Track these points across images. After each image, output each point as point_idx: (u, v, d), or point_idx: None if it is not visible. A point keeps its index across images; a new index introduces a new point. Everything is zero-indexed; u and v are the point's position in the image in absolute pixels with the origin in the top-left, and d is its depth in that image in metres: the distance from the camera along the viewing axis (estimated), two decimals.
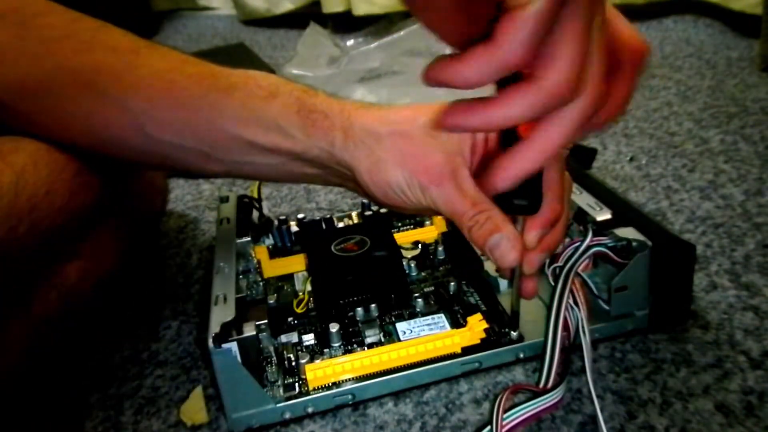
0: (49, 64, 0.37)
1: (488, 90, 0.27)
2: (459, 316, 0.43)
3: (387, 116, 0.36)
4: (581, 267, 0.40)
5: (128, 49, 0.38)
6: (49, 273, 0.39)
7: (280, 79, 0.38)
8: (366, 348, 0.41)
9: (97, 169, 0.41)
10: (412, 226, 0.55)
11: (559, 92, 0.25)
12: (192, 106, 0.37)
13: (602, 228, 0.41)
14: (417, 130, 0.36)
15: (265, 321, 0.40)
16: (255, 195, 0.54)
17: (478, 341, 0.40)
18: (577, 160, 0.55)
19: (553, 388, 0.36)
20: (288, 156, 0.37)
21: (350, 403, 0.39)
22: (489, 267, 0.46)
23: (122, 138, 0.38)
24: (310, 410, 0.38)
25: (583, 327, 0.37)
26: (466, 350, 0.40)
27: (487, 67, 0.24)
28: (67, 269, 0.40)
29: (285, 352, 0.41)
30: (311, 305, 0.45)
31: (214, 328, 0.35)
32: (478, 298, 0.45)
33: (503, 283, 0.45)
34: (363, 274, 0.44)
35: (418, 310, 0.44)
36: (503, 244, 0.33)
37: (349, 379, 0.39)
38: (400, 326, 0.42)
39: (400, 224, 0.55)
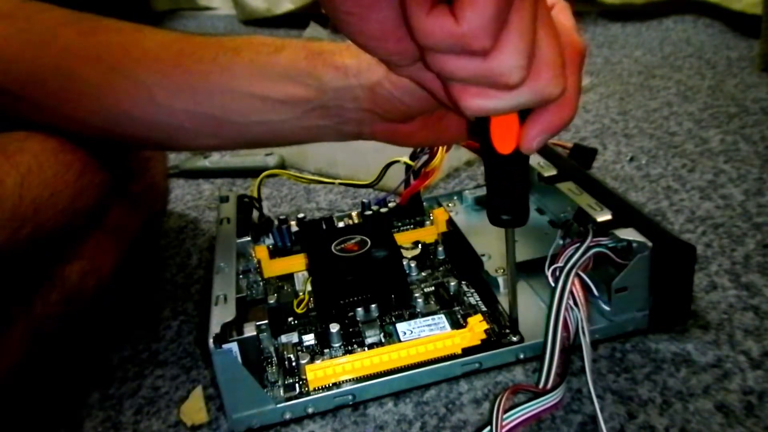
0: (56, 48, 0.38)
1: None
2: (459, 316, 0.43)
3: None
4: (581, 267, 0.40)
5: (132, 29, 0.39)
6: (51, 274, 0.39)
7: (280, 37, 0.39)
8: (366, 348, 0.41)
9: (100, 170, 0.41)
10: (412, 226, 0.55)
11: (504, 74, 0.24)
12: (202, 71, 0.37)
13: (602, 229, 0.41)
14: None
15: (266, 321, 0.40)
16: (255, 195, 0.54)
17: (479, 342, 0.40)
18: (577, 160, 0.55)
19: (553, 388, 0.36)
20: (302, 107, 0.37)
21: (350, 403, 0.39)
22: (489, 267, 0.46)
23: (133, 112, 0.39)
24: (310, 410, 0.38)
25: (583, 327, 0.37)
26: (467, 351, 0.40)
27: (449, 37, 0.23)
28: (68, 270, 0.40)
29: (285, 353, 0.41)
30: (311, 305, 0.45)
31: (215, 328, 0.35)
32: (478, 299, 0.45)
33: (503, 283, 0.45)
34: (363, 274, 0.44)
35: (419, 310, 0.44)
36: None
37: (350, 380, 0.39)
38: (401, 327, 0.42)
39: (400, 224, 0.55)
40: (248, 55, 0.37)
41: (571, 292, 0.38)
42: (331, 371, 0.39)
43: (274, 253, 0.52)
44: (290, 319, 0.44)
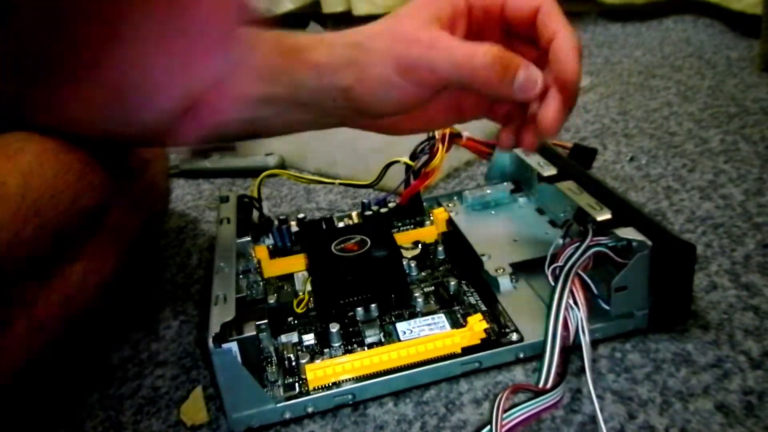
0: None
1: None
2: (459, 316, 0.43)
3: (368, 26, 0.37)
4: (581, 267, 0.40)
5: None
6: (52, 274, 0.38)
7: (256, 30, 0.38)
8: (366, 348, 0.41)
9: (100, 171, 0.41)
10: (412, 226, 0.55)
11: None
12: None
13: (602, 228, 0.41)
14: (395, 22, 0.36)
15: (265, 321, 0.40)
16: (255, 195, 0.54)
17: (478, 341, 0.40)
18: (577, 160, 0.55)
19: (553, 387, 0.35)
20: (280, 104, 0.37)
21: (350, 403, 0.39)
22: (489, 267, 0.46)
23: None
24: (310, 410, 0.38)
25: (583, 327, 0.37)
26: (466, 350, 0.40)
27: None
28: (69, 270, 0.40)
29: (285, 352, 0.41)
30: (311, 305, 0.45)
31: (214, 328, 0.35)
32: (477, 298, 0.45)
33: (503, 283, 0.45)
34: (363, 274, 0.44)
35: (418, 310, 0.44)
36: (531, 74, 0.34)
37: (349, 379, 0.39)
38: (400, 326, 0.42)
39: (400, 224, 0.55)
40: None
41: (571, 292, 0.38)
42: (331, 371, 0.39)
43: (274, 253, 0.52)
44: (290, 318, 0.44)
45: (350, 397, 0.38)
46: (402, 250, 0.49)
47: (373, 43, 0.35)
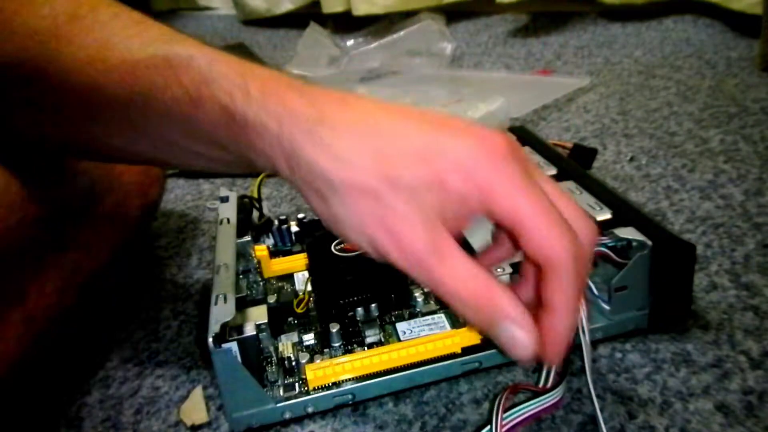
0: None
1: None
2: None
3: (341, 153, 0.28)
4: None
5: (48, 32, 0.32)
6: (43, 264, 0.38)
7: (203, 69, 0.30)
8: (366, 348, 0.41)
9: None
10: None
11: None
12: (124, 118, 0.32)
13: (602, 228, 0.41)
14: (382, 184, 0.28)
15: (265, 321, 0.40)
16: (255, 195, 0.54)
17: (479, 341, 0.40)
18: (577, 160, 0.55)
19: (553, 387, 0.36)
20: (232, 164, 0.33)
21: (350, 403, 0.39)
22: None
23: (65, 143, 0.36)
24: (310, 410, 0.38)
25: (583, 327, 0.37)
26: (466, 350, 0.40)
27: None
28: (61, 261, 0.39)
29: (285, 352, 0.41)
30: (311, 305, 0.45)
31: (214, 328, 0.35)
32: None
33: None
34: (363, 274, 0.44)
35: (418, 310, 0.44)
36: (518, 337, 0.28)
37: (349, 379, 0.39)
38: (400, 326, 0.42)
39: None
40: (166, 102, 0.30)
41: None
42: (331, 371, 0.39)
43: (274, 253, 0.52)
44: (290, 318, 0.44)
45: (350, 397, 0.38)
46: None
47: (353, 203, 0.28)
